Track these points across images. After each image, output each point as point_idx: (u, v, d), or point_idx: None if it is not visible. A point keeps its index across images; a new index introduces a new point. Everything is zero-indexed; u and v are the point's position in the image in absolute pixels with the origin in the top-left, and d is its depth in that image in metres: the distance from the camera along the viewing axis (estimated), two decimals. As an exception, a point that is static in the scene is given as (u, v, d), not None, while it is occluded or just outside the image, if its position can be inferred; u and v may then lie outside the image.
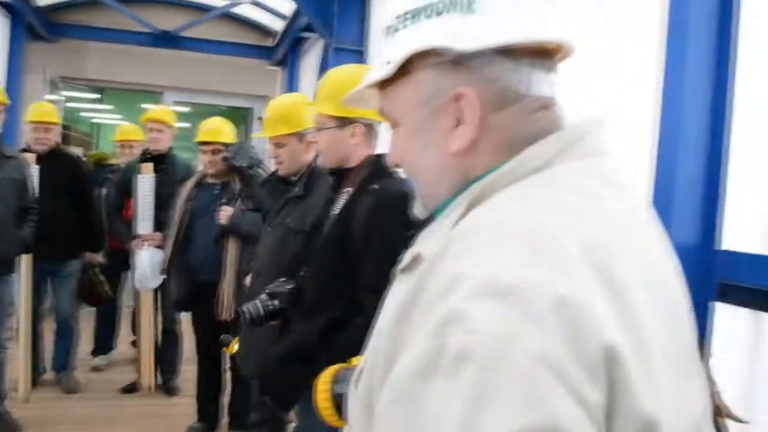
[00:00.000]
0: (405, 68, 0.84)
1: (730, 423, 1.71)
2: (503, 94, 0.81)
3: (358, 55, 5.52)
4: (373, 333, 0.84)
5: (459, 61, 0.80)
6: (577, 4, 2.36)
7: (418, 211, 0.94)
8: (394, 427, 0.63)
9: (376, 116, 2.29)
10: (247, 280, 3.20)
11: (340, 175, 2.28)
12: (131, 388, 4.88)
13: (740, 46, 1.67)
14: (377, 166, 2.24)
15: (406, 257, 0.86)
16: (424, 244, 0.82)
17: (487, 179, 0.79)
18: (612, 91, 2.36)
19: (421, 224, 0.92)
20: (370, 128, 2.27)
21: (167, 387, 4.89)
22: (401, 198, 2.06)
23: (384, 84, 0.87)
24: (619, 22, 2.36)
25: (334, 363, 1.91)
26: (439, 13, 0.81)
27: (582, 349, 0.60)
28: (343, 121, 2.24)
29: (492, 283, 0.63)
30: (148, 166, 4.70)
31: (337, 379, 0.93)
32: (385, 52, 0.86)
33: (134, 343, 5.52)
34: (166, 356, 4.92)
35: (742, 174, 1.71)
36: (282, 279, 2.35)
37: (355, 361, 0.97)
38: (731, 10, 1.70)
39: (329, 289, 2.09)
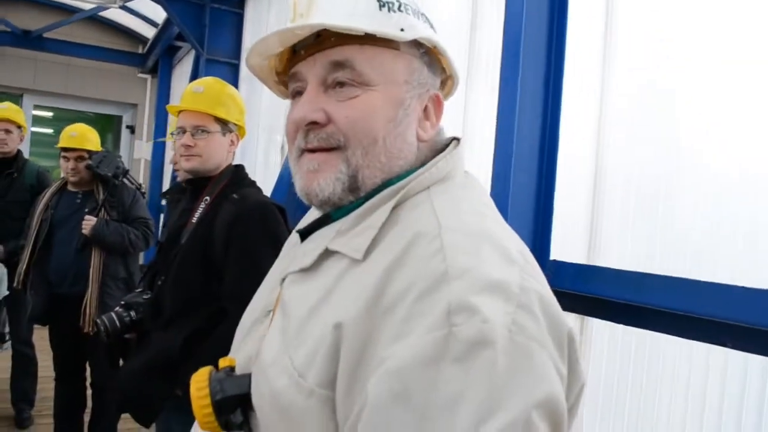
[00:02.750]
0: (393, 43, 0.89)
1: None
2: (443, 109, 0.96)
3: (232, 67, 5.51)
4: (293, 329, 0.85)
5: (432, 69, 0.94)
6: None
7: (319, 185, 0.90)
8: (403, 413, 0.67)
9: (244, 130, 2.39)
10: None
11: (198, 183, 2.29)
12: None
13: (566, 78, 1.88)
14: (237, 176, 2.29)
15: (308, 256, 0.90)
16: (344, 244, 0.86)
17: (406, 185, 0.87)
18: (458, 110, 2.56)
19: (310, 226, 0.95)
20: (237, 139, 2.35)
21: (20, 419, 4.41)
22: (262, 207, 2.12)
23: (361, 39, 0.87)
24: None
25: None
26: (425, 22, 0.93)
27: (557, 333, 0.74)
28: (226, 128, 2.28)
29: (484, 279, 0.73)
30: None
31: (213, 386, 0.91)
32: (380, 18, 0.87)
33: None
34: (21, 385, 4.45)
35: (569, 192, 1.93)
36: (138, 290, 2.31)
37: (225, 362, 0.97)
38: (562, 44, 1.91)
39: (189, 299, 2.06)
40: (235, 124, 2.34)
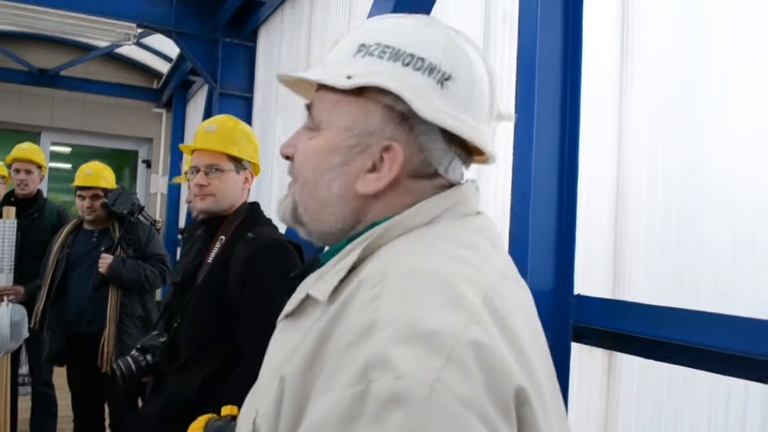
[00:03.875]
0: (356, 89, 0.86)
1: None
2: (424, 166, 0.86)
3: (246, 101, 5.53)
4: (264, 381, 0.84)
5: (408, 118, 0.85)
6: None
7: (285, 219, 0.95)
8: None
9: (258, 168, 2.37)
10: None
11: (213, 222, 2.27)
12: None
13: (583, 109, 1.84)
14: (252, 214, 2.27)
15: (292, 302, 0.89)
16: (315, 287, 0.83)
17: (380, 229, 0.83)
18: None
19: (301, 270, 0.96)
20: (252, 176, 2.33)
21: None
22: (276, 246, 2.09)
23: (328, 87, 0.88)
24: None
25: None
26: (416, 69, 0.84)
27: (498, 392, 0.65)
28: (239, 166, 2.27)
29: (413, 328, 0.65)
30: (10, 210, 4.21)
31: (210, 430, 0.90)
32: (348, 64, 0.87)
33: None
34: (41, 425, 4.41)
35: (590, 224, 1.88)
36: (154, 332, 2.29)
37: (226, 411, 0.96)
38: (578, 70, 1.88)
39: (205, 340, 2.04)
40: (249, 161, 2.33)
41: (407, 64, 0.84)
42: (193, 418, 1.92)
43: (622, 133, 1.87)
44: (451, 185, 0.90)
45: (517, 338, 0.72)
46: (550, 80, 1.83)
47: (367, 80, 0.84)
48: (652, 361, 1.70)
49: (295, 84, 0.98)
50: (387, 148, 0.85)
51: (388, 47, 0.85)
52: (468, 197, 0.89)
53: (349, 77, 0.85)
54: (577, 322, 1.77)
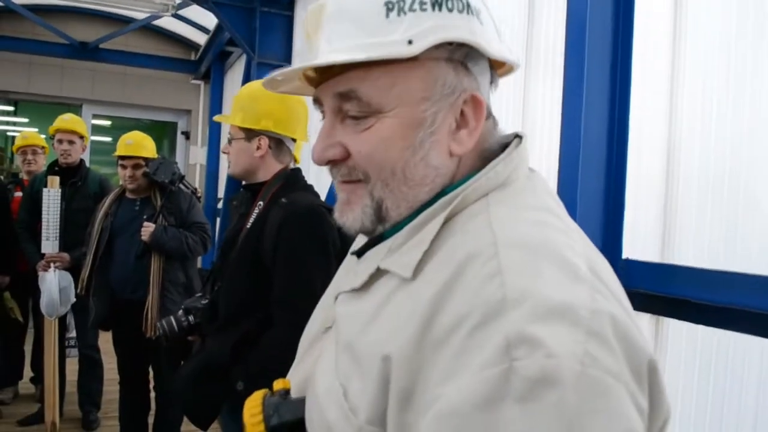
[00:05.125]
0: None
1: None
2: (487, 104, 0.83)
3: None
4: (346, 357, 0.80)
5: (465, 64, 0.80)
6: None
7: (349, 220, 0.86)
8: None
9: (283, 131, 2.32)
10: None
11: (254, 189, 2.29)
12: (32, 420, 4.49)
13: (634, 68, 1.80)
14: (290, 180, 2.27)
15: (359, 276, 0.85)
16: (390, 261, 0.80)
17: (456, 198, 0.79)
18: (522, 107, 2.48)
19: (364, 246, 0.89)
20: (278, 143, 2.28)
21: (87, 421, 4.53)
22: (309, 212, 2.09)
23: (368, 64, 0.78)
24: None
25: (247, 377, 1.91)
26: (461, 11, 0.78)
27: (635, 363, 0.63)
28: (250, 134, 2.26)
29: (549, 304, 0.63)
30: (54, 180, 4.27)
31: (267, 410, 0.88)
32: (386, 28, 0.77)
33: (33, 380, 5.13)
34: (88, 387, 4.57)
35: (640, 186, 1.84)
36: (198, 294, 2.34)
37: (278, 385, 0.94)
38: (629, 34, 1.83)
39: (241, 303, 2.07)
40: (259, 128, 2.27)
41: (451, 9, 0.78)
42: (224, 380, 1.96)
43: (673, 95, 1.83)
44: (495, 122, 0.87)
45: (625, 305, 0.71)
46: (601, 43, 1.79)
47: (433, 39, 0.76)
48: (700, 326, 1.67)
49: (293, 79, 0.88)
50: (473, 100, 0.81)
51: None
52: (525, 154, 0.86)
53: (410, 42, 0.75)
54: (624, 286, 1.74)
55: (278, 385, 0.92)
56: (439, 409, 0.63)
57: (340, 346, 0.82)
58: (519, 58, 0.84)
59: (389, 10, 0.77)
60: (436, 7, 0.77)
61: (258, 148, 2.26)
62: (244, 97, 2.29)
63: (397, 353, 0.70)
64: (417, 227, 0.80)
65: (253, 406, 0.90)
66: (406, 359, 0.69)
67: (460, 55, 0.80)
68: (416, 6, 0.77)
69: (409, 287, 0.75)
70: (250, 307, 2.05)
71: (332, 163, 0.85)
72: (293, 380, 0.93)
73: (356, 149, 0.82)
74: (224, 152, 2.29)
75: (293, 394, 0.91)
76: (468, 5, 0.79)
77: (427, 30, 0.76)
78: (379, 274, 0.82)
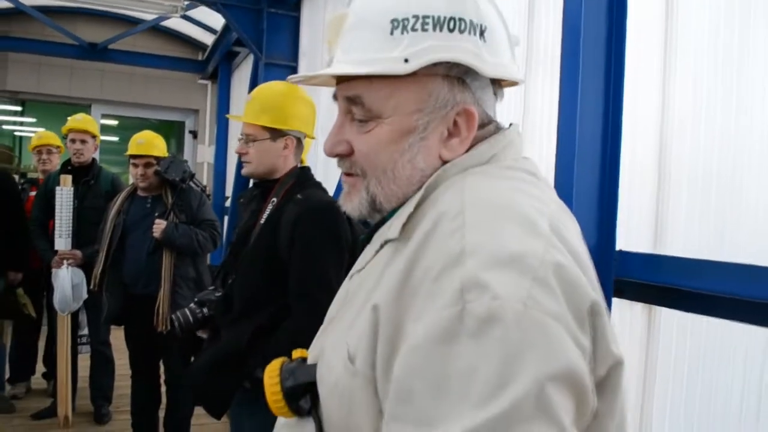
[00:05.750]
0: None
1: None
2: (485, 116, 0.93)
3: (290, 70, 5.58)
4: (349, 318, 0.91)
5: (464, 79, 0.89)
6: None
7: (357, 211, 0.97)
8: (422, 388, 0.71)
9: (306, 131, 2.42)
10: None
11: (266, 186, 2.36)
12: (45, 414, 4.60)
13: (627, 69, 1.87)
14: (302, 177, 2.35)
15: (368, 253, 0.96)
16: (387, 232, 0.91)
17: (441, 169, 0.90)
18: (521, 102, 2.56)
19: (369, 233, 1.00)
20: (298, 141, 2.39)
21: (99, 415, 4.63)
22: (325, 207, 2.18)
23: (372, 75, 0.88)
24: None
25: (266, 364, 1.98)
26: (461, 32, 0.87)
27: (577, 306, 0.73)
28: (276, 134, 2.34)
29: (500, 253, 0.73)
30: (67, 178, 4.39)
31: (284, 375, 1.00)
32: (389, 45, 0.86)
33: (45, 376, 5.22)
34: (99, 382, 4.68)
35: (634, 182, 1.92)
36: (211, 287, 2.41)
37: (296, 354, 1.04)
38: (622, 29, 1.90)
39: (256, 296, 2.14)
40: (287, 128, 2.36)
41: (452, 30, 0.86)
42: (242, 369, 2.04)
43: (666, 90, 1.90)
44: (497, 128, 0.96)
45: (581, 258, 0.81)
46: (595, 45, 1.86)
47: (427, 59, 0.85)
48: (691, 315, 1.74)
49: (314, 78, 0.99)
50: (466, 113, 0.90)
51: (427, 17, 0.86)
52: (515, 140, 0.96)
53: (406, 60, 0.85)
54: (618, 277, 1.82)
55: (296, 354, 1.04)
56: (407, 345, 0.74)
57: (349, 310, 0.92)
58: (520, 72, 0.93)
59: (394, 28, 0.86)
60: (437, 28, 0.86)
61: (285, 147, 2.33)
62: (268, 98, 2.34)
63: (383, 302, 0.81)
64: (408, 203, 0.91)
65: (271, 371, 1.01)
66: (389, 307, 0.80)
67: (459, 71, 0.89)
68: (418, 26, 0.86)
69: (400, 249, 0.86)
70: (265, 299, 2.12)
71: (339, 157, 0.97)
72: (311, 354, 1.02)
73: (358, 148, 0.94)
74: (240, 152, 2.33)
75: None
76: (471, 25, 0.87)
77: (424, 50, 0.85)
78: (381, 249, 0.92)
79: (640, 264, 1.79)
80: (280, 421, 1.03)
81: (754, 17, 1.69)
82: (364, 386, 0.82)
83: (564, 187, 1.83)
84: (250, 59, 6.80)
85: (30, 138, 5.66)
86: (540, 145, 2.38)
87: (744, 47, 1.70)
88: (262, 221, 2.27)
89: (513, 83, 0.99)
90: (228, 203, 7.24)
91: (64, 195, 4.35)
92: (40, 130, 5.72)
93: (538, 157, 2.33)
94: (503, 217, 0.78)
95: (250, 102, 2.35)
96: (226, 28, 7.18)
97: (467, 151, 0.92)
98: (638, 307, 1.91)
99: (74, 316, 4.45)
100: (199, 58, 9.16)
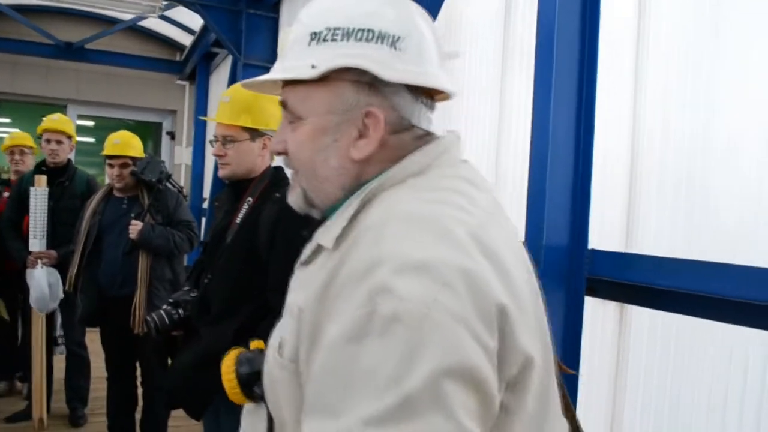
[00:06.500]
0: (323, 75, 0.96)
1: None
2: (400, 121, 0.98)
3: (269, 71, 5.59)
4: (287, 314, 0.99)
5: (374, 84, 0.96)
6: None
7: (296, 204, 1.07)
8: (333, 383, 0.78)
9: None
10: None
11: (239, 186, 2.36)
12: (20, 417, 4.52)
13: (600, 71, 1.90)
14: (277, 177, 2.35)
15: (306, 252, 1.02)
16: (322, 237, 0.97)
17: (376, 182, 0.96)
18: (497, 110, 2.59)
19: (315, 225, 1.05)
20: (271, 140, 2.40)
21: (74, 417, 4.57)
22: None
23: (295, 81, 0.99)
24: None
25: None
26: (368, 41, 0.94)
27: (482, 308, 0.79)
28: (255, 134, 2.34)
29: (410, 261, 0.79)
30: (41, 179, 4.29)
31: (240, 363, 1.13)
32: (306, 54, 0.96)
33: (21, 378, 5.12)
34: (76, 383, 4.61)
35: (606, 183, 1.95)
36: (185, 288, 2.40)
37: (254, 344, 1.16)
38: (595, 28, 1.93)
39: (235, 295, 2.14)
40: (267, 128, 2.38)
41: (359, 39, 0.94)
42: (219, 369, 2.03)
43: (637, 93, 1.93)
44: (427, 134, 1.02)
45: (501, 262, 0.86)
46: (569, 46, 1.88)
47: (329, 65, 0.94)
48: (661, 313, 1.78)
49: (263, 85, 1.08)
50: (367, 114, 0.96)
51: (338, 29, 0.95)
52: (451, 147, 1.01)
53: (313, 67, 0.95)
54: (591, 275, 1.85)
55: (254, 345, 1.13)
56: (323, 344, 0.82)
57: (285, 309, 1.01)
58: (450, 84, 1.01)
59: (312, 39, 0.97)
60: (345, 38, 0.95)
61: (263, 147, 2.35)
62: (247, 99, 2.34)
63: (307, 305, 0.89)
64: (343, 209, 0.97)
65: (228, 359, 1.13)
66: (312, 309, 0.88)
67: (368, 78, 0.95)
68: (329, 37, 0.96)
69: (332, 257, 0.92)
70: (243, 298, 2.12)
71: (280, 155, 1.07)
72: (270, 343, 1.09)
73: (289, 146, 1.03)
74: (218, 155, 2.32)
75: None
76: (380, 35, 0.95)
77: (331, 57, 0.94)
78: (319, 248, 0.98)
79: (612, 262, 1.82)
80: (245, 408, 1.10)
81: (723, 18, 1.72)
82: (289, 378, 0.92)
83: (538, 188, 1.86)
84: (229, 60, 6.79)
85: (3, 138, 5.59)
86: (516, 144, 2.41)
87: (714, 49, 1.74)
88: (238, 221, 2.26)
89: (445, 97, 1.06)
90: (205, 204, 7.21)
91: (39, 195, 4.28)
92: (15, 130, 5.65)
93: (513, 158, 2.36)
94: (419, 228, 0.84)
95: (227, 103, 2.35)
96: (205, 29, 7.16)
97: (402, 160, 0.98)
98: (611, 305, 1.94)
99: (49, 316, 4.39)
100: (177, 58, 9.11)
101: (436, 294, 0.76)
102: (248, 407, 1.09)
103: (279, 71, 1.01)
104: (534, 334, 0.88)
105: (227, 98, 2.37)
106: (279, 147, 1.06)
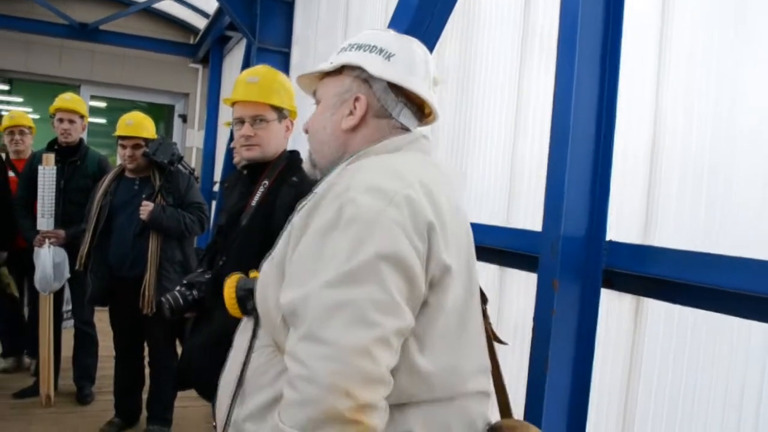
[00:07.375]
0: (339, 71, 1.42)
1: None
2: (382, 110, 1.39)
3: (283, 56, 5.57)
4: (284, 233, 1.30)
5: (368, 81, 1.38)
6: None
7: (306, 167, 1.52)
8: (305, 263, 1.14)
9: (294, 115, 2.46)
10: None
11: (255, 168, 2.35)
12: (27, 393, 4.54)
13: (622, 60, 1.87)
14: (293, 160, 2.35)
15: (307, 197, 1.32)
16: (318, 188, 1.31)
17: (360, 152, 1.34)
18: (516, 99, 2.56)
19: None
20: (292, 124, 2.41)
21: (82, 395, 4.59)
22: None
23: (324, 75, 1.46)
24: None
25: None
26: (370, 52, 1.39)
27: (416, 222, 1.14)
28: (281, 115, 2.35)
29: (371, 185, 1.15)
30: (50, 157, 4.32)
31: (240, 285, 1.44)
32: (334, 59, 1.42)
33: (28, 355, 5.15)
34: (83, 362, 4.64)
35: (626, 173, 1.92)
36: (199, 270, 2.39)
37: (254, 274, 1.43)
38: (619, 18, 1.90)
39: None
40: (288, 109, 2.40)
41: (365, 50, 1.39)
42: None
43: (659, 82, 1.90)
44: (405, 128, 1.39)
45: (436, 201, 1.20)
46: (592, 36, 1.85)
47: (339, 62, 1.40)
48: (678, 307, 1.75)
49: (307, 84, 1.53)
50: (357, 99, 1.38)
51: (354, 45, 1.42)
52: (420, 139, 1.40)
53: (330, 63, 1.42)
54: (608, 267, 1.82)
55: (253, 274, 1.46)
56: (306, 233, 1.18)
57: (281, 235, 1.33)
58: (424, 92, 1.40)
59: (340, 51, 1.44)
60: (354, 49, 1.42)
61: (287, 129, 2.40)
62: (276, 80, 2.40)
63: (299, 221, 1.23)
64: (335, 169, 1.35)
65: (231, 282, 1.47)
66: (300, 221, 1.22)
67: (365, 75, 1.38)
68: (348, 49, 1.43)
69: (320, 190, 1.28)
70: None
71: (307, 133, 1.49)
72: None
73: (309, 122, 1.48)
74: (247, 135, 2.31)
75: None
76: (378, 49, 1.39)
77: (343, 59, 1.41)
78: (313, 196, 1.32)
79: (629, 254, 1.79)
80: (239, 327, 1.46)
81: (750, 11, 1.69)
82: (275, 268, 1.26)
83: (557, 177, 1.83)
84: (243, 44, 6.77)
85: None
86: (533, 133, 2.38)
87: (739, 37, 1.70)
88: (254, 203, 2.26)
89: (433, 120, 1.48)
90: (216, 188, 7.21)
91: (47, 174, 4.29)
92: (26, 109, 5.65)
93: (531, 145, 2.34)
94: (383, 171, 1.21)
95: (255, 83, 2.34)
96: (219, 12, 7.14)
97: (382, 141, 1.36)
98: (627, 298, 1.91)
99: (58, 293, 4.41)
100: (191, 41, 9.11)
101: (385, 207, 1.12)
102: (240, 327, 1.45)
103: (317, 67, 1.46)
104: (453, 252, 1.20)
105: (255, 78, 2.36)
106: (306, 126, 1.48)
